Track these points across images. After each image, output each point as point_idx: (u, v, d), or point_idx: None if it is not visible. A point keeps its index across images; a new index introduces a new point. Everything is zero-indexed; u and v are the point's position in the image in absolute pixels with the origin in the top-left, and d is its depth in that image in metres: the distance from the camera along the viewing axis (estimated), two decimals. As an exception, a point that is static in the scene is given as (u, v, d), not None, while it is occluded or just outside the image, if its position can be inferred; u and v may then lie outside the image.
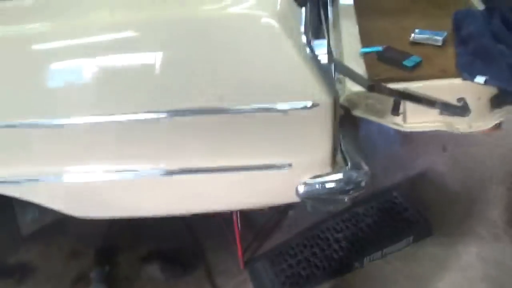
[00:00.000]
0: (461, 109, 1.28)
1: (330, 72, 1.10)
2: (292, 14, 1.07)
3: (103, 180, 1.15)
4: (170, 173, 1.13)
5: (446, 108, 1.29)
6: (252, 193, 1.23)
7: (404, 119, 1.34)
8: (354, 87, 1.33)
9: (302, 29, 1.03)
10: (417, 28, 1.50)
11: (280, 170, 1.15)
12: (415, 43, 1.48)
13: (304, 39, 1.02)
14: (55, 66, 1.02)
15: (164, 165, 1.13)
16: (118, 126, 1.06)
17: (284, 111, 1.04)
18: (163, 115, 1.04)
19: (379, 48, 1.45)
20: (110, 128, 1.06)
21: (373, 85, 1.27)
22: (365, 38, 1.56)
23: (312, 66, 1.01)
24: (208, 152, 1.11)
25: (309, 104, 1.03)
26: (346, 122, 1.33)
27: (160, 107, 1.03)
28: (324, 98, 1.03)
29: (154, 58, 1.00)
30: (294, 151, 1.14)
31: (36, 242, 1.86)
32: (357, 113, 1.35)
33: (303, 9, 1.10)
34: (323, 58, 1.07)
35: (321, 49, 1.10)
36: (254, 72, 1.01)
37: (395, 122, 1.35)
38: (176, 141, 1.09)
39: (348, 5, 1.88)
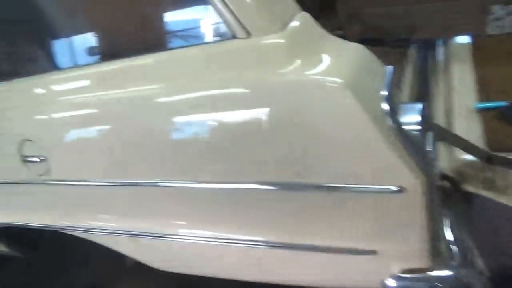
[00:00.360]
0: None
1: (423, 147, 0.87)
2: (373, 76, 0.89)
3: (195, 243, 1.10)
4: (254, 243, 1.03)
5: None
6: (331, 275, 1.04)
7: (541, 201, 1.00)
8: (465, 155, 1.05)
9: (385, 93, 0.84)
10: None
11: (363, 256, 0.95)
12: (555, 97, 1.12)
13: (385, 107, 0.82)
14: (157, 133, 1.00)
15: (249, 236, 1.03)
16: (213, 193, 1.00)
17: (363, 193, 0.85)
18: (243, 186, 0.95)
19: (502, 104, 1.14)
20: (205, 195, 1.01)
21: (492, 157, 0.98)
22: (484, 89, 1.25)
23: (395, 143, 0.80)
24: (286, 228, 0.98)
25: (393, 188, 0.82)
26: (454, 200, 1.06)
27: (242, 178, 0.95)
28: (413, 182, 0.81)
29: (235, 124, 0.91)
30: (379, 238, 0.92)
31: (137, 274, 1.91)
32: (469, 188, 1.05)
33: (388, 67, 0.90)
34: (415, 128, 0.85)
35: (412, 115, 0.88)
36: (330, 146, 0.85)
37: (526, 204, 1.01)
38: (258, 214, 0.99)
39: (464, 45, 1.58)
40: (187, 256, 1.14)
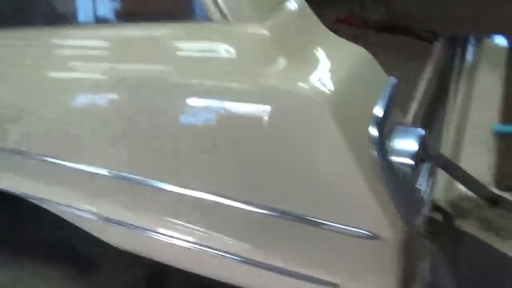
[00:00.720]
0: None
1: (412, 188, 0.73)
2: (369, 90, 0.73)
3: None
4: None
5: None
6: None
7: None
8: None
9: (378, 113, 0.68)
10: None
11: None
12: None
13: (374, 132, 0.67)
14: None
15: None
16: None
17: (330, 231, 0.73)
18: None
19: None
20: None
21: (497, 199, 0.83)
22: (510, 108, 1.07)
23: (374, 180, 0.66)
24: (253, 244, 0.86)
25: (364, 234, 0.69)
26: (443, 236, 0.92)
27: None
28: (388, 231, 0.67)
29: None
30: (342, 273, 0.81)
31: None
32: (463, 226, 0.91)
33: (392, 79, 0.74)
34: (406, 162, 0.70)
35: (408, 142, 0.73)
36: (298, 171, 0.71)
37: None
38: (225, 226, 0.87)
39: (500, 48, 1.37)
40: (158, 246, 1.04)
